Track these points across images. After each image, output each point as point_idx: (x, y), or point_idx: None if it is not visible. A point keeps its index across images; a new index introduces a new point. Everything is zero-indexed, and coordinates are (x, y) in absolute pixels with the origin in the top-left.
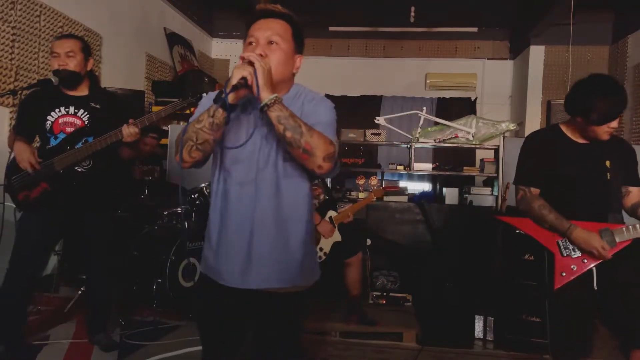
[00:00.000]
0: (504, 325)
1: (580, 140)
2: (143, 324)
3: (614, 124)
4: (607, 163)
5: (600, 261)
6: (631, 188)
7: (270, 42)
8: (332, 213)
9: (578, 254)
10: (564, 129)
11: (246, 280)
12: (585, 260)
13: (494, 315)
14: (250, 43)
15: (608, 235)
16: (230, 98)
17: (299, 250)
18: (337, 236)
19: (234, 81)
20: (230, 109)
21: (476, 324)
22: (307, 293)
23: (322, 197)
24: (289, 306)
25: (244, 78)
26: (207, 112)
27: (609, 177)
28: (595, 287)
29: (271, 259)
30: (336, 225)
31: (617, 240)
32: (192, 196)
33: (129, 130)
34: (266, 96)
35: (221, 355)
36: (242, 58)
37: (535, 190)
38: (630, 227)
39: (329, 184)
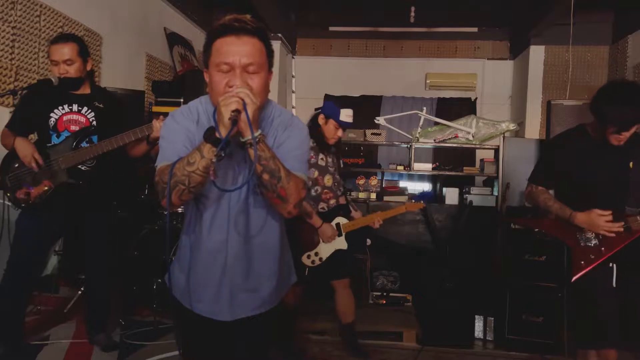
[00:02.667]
0: (504, 325)
1: (601, 140)
2: (143, 324)
3: (625, 133)
4: (631, 165)
5: (618, 249)
6: None
7: (248, 71)
8: (341, 219)
9: (595, 242)
10: (589, 129)
11: (220, 311)
12: (603, 249)
13: (494, 315)
14: (223, 69)
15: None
16: (225, 134)
17: (269, 278)
18: (341, 244)
19: (226, 117)
20: (225, 146)
21: (476, 324)
22: (277, 308)
23: (331, 202)
24: (259, 324)
25: (236, 110)
26: (199, 153)
27: (629, 178)
28: (614, 285)
29: (244, 289)
30: (343, 233)
31: (633, 227)
32: None
33: (160, 125)
34: (251, 133)
35: None
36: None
37: (541, 188)
38: None
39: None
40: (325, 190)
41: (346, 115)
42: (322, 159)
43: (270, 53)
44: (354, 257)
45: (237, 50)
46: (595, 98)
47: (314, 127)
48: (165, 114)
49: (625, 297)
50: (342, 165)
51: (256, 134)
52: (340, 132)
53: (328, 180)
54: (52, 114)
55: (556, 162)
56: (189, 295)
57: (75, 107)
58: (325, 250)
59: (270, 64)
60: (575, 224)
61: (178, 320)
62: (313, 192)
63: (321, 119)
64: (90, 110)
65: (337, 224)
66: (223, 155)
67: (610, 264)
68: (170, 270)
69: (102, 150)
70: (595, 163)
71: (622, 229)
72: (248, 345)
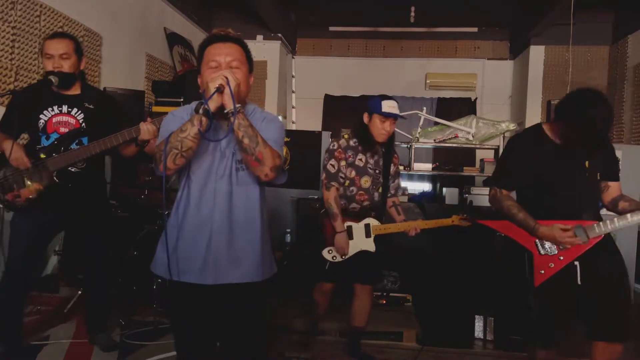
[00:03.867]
0: (504, 325)
1: (560, 141)
2: (143, 324)
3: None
4: (587, 164)
5: (576, 257)
6: (610, 183)
7: (231, 66)
8: (372, 221)
9: (554, 252)
10: (546, 129)
11: (204, 277)
12: (562, 257)
13: (494, 315)
14: (212, 65)
15: (581, 232)
16: (212, 107)
17: (251, 249)
18: (368, 245)
19: (212, 90)
20: (211, 116)
21: (476, 324)
22: (263, 286)
23: (365, 204)
24: (245, 297)
25: (220, 85)
26: (190, 122)
27: (587, 178)
28: (579, 282)
29: (227, 257)
30: (372, 235)
31: (590, 236)
32: None
33: (147, 127)
34: (233, 104)
35: (194, 348)
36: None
37: (505, 192)
38: (602, 223)
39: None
40: (361, 192)
41: (388, 106)
42: (360, 159)
43: (249, 58)
44: (381, 265)
45: (223, 51)
46: (567, 109)
47: (360, 128)
48: (161, 114)
49: (598, 292)
50: (393, 167)
51: (238, 106)
52: (387, 126)
53: (365, 181)
54: (41, 116)
55: (519, 163)
56: (176, 267)
57: (64, 108)
58: (349, 248)
59: (250, 67)
60: (539, 236)
61: (170, 295)
62: (348, 192)
63: (365, 117)
64: (79, 112)
65: (367, 225)
66: (208, 109)
67: (575, 262)
68: (156, 255)
69: (91, 152)
70: (554, 162)
71: (581, 242)
72: (233, 314)
